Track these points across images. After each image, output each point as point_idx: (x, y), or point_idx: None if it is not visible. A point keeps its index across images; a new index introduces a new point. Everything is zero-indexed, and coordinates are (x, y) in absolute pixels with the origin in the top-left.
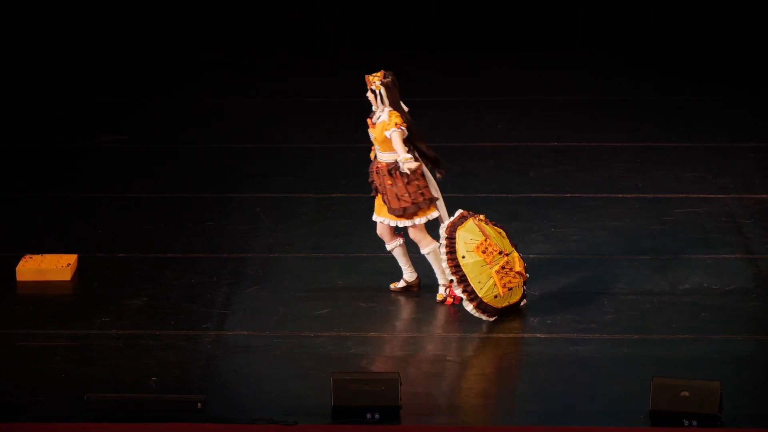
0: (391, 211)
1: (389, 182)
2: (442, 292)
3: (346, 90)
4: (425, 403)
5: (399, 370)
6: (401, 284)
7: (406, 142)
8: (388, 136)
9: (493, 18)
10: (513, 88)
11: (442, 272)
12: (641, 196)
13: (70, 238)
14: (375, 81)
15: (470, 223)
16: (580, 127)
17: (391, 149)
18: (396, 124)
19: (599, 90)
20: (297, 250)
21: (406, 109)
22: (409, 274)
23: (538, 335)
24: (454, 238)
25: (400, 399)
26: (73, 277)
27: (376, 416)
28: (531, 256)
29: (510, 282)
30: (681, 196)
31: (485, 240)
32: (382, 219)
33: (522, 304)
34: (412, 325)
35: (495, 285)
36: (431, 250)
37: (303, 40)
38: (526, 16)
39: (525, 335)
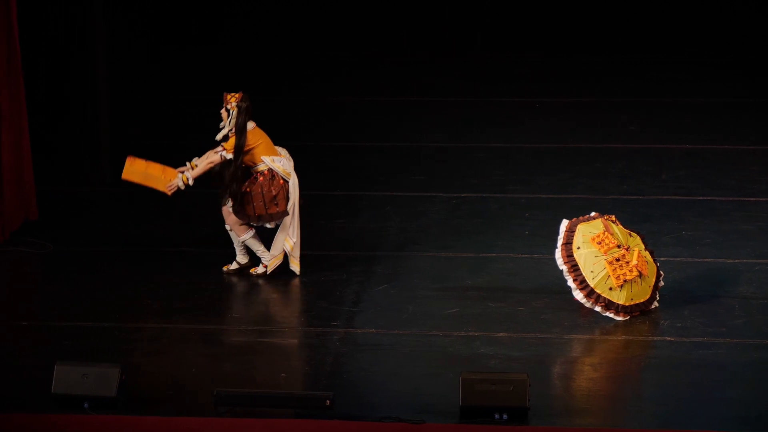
0: (236, 212)
1: (248, 189)
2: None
3: (480, 89)
4: (553, 405)
5: (527, 371)
6: (260, 269)
7: (229, 163)
8: (216, 150)
9: (626, 21)
10: (646, 90)
11: (262, 252)
12: None
13: (202, 233)
14: (232, 101)
15: (597, 221)
16: (713, 129)
17: (251, 161)
18: (226, 149)
19: (733, 92)
20: (427, 249)
21: (251, 126)
22: (266, 257)
23: (668, 338)
24: (575, 231)
25: (529, 400)
26: (202, 275)
27: (504, 417)
28: (662, 258)
29: (625, 275)
30: None
31: (603, 232)
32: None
33: (653, 306)
34: (541, 326)
35: (609, 276)
36: (245, 238)
37: (437, 40)
38: (659, 20)
39: (655, 338)
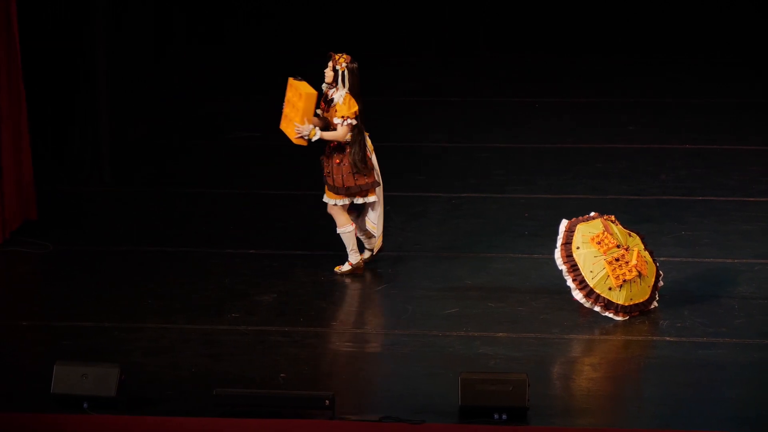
0: (333, 189)
1: (337, 160)
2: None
3: (481, 90)
4: (553, 405)
5: (527, 371)
6: (346, 267)
7: (355, 131)
8: (338, 123)
9: (627, 22)
10: (646, 91)
11: (353, 251)
12: None
13: (202, 233)
14: (341, 62)
15: (596, 221)
16: (713, 129)
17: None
18: (352, 114)
19: (735, 93)
20: (427, 250)
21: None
22: (354, 257)
23: (668, 338)
24: (574, 231)
25: (528, 400)
26: (202, 275)
27: (504, 417)
28: (662, 258)
29: (624, 275)
30: None
31: (603, 232)
32: (333, 201)
33: (652, 307)
34: (541, 326)
35: (608, 276)
36: (344, 231)
37: (439, 40)
38: (660, 21)
39: (655, 338)
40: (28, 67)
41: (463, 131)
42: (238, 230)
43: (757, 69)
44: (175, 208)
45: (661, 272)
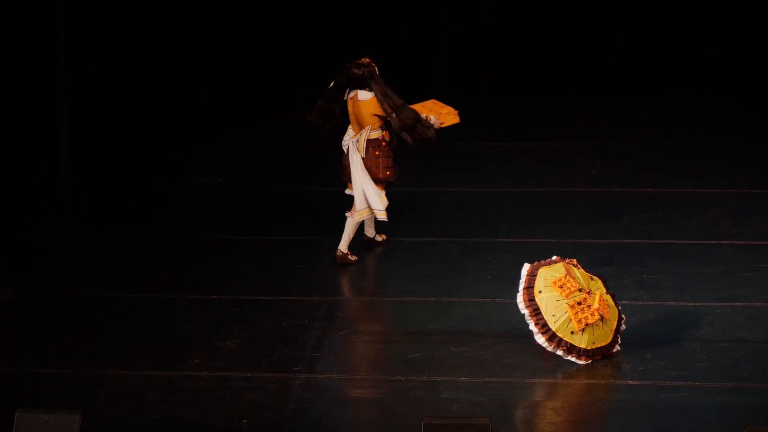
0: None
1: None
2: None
3: (442, 133)
4: None
5: (490, 416)
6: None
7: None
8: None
9: (586, 62)
10: (605, 133)
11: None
12: (735, 243)
13: (164, 279)
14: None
15: (558, 265)
16: (674, 172)
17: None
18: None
19: (695, 135)
20: (389, 294)
21: (351, 95)
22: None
23: (630, 382)
24: (536, 275)
25: None
26: (163, 321)
27: None
28: (624, 302)
29: (587, 318)
30: None
31: (565, 276)
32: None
33: (614, 350)
34: (504, 370)
35: (570, 320)
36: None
37: (404, 82)
38: (621, 60)
39: (617, 382)
40: None
41: (422, 175)
42: (200, 275)
43: (718, 112)
44: (137, 254)
45: (623, 315)
